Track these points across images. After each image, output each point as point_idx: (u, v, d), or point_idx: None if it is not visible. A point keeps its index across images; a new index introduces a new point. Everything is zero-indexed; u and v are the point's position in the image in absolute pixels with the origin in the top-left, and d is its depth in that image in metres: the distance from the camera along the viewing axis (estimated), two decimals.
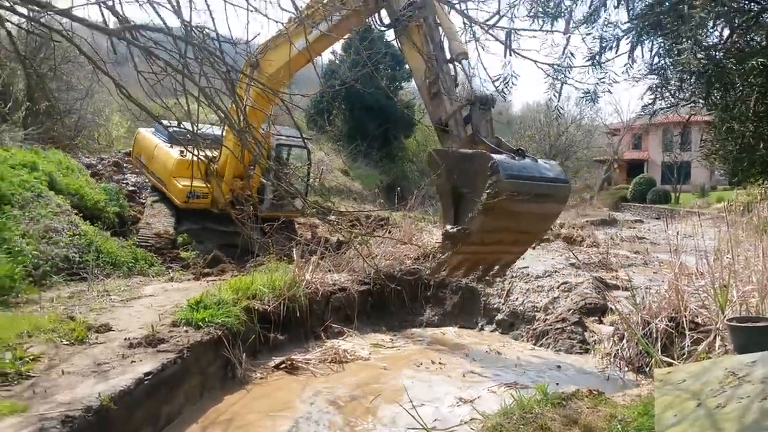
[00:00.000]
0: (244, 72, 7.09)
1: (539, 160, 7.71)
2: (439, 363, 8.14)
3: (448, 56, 8.18)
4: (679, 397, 3.70)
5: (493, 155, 6.99)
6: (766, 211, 12.86)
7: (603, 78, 5.02)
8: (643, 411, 4.06)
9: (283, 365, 7.66)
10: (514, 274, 10.74)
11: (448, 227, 7.36)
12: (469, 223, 7.11)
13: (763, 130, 4.69)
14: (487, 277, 9.11)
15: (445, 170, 7.35)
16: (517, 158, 7.21)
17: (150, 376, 5.47)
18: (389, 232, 13.60)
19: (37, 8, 4.68)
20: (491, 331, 10.02)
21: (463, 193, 7.31)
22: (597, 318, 9.35)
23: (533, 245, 8.40)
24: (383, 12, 8.77)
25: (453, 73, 8.25)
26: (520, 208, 6.99)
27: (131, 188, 15.83)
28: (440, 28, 8.31)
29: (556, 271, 10.95)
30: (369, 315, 10.32)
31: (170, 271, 11.34)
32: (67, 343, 6.07)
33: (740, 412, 3.17)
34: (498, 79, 5.19)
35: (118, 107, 21.71)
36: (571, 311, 9.22)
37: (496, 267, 8.45)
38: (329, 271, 10.66)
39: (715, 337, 6.61)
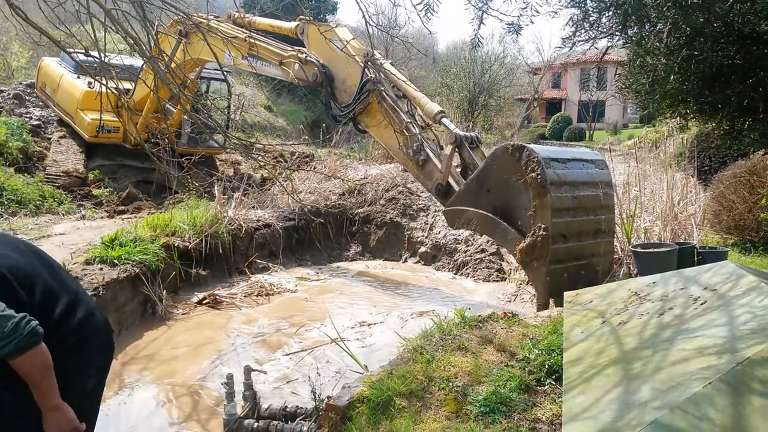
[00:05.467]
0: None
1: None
2: (363, 293, 8.31)
3: (423, 123, 7.80)
4: (586, 316, 3.93)
5: (513, 143, 6.38)
6: (672, 147, 13.63)
7: (525, 8, 5.00)
8: (553, 330, 4.31)
9: (206, 300, 7.58)
10: (438, 209, 10.95)
11: (521, 245, 6.12)
12: (538, 220, 5.99)
13: (674, 63, 4.84)
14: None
15: (473, 208, 6.66)
16: None
17: None
18: (314, 168, 13.44)
19: None
20: (414, 263, 10.28)
21: (507, 204, 6.43)
22: None
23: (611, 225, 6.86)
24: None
25: (433, 137, 7.87)
26: (572, 177, 6.31)
27: (36, 122, 14.64)
28: (404, 99, 7.96)
29: None
30: (294, 251, 10.30)
31: (82, 209, 10.79)
32: None
33: (640, 328, 3.40)
34: (419, 3, 5.05)
35: (16, 33, 19.81)
36: (490, 242, 9.55)
37: (598, 268, 6.63)
38: (253, 207, 10.49)
39: (621, 263, 7.05)
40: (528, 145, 6.24)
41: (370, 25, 5.15)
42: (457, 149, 7.30)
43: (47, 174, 11.88)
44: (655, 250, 6.15)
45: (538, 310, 5.96)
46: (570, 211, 6.22)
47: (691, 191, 9.05)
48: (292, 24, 9.17)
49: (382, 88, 7.82)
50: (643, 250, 6.20)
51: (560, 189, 6.11)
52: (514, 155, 6.22)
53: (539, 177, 5.95)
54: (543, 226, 5.94)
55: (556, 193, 6.03)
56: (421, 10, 3.74)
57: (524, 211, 6.18)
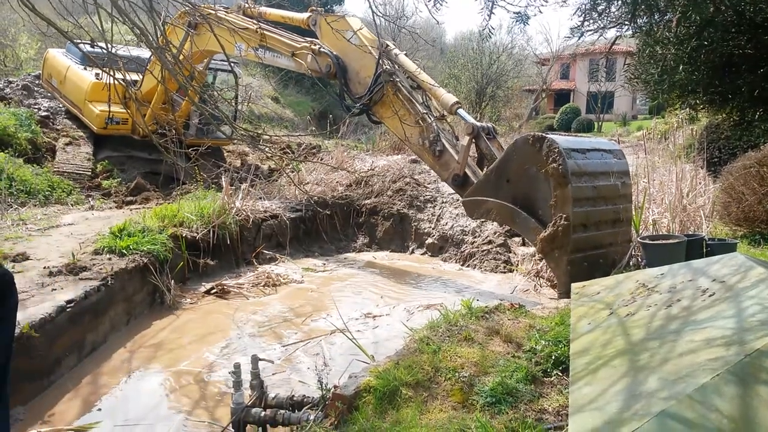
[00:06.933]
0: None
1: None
2: (370, 284, 8.32)
3: (438, 113, 7.79)
4: (593, 307, 3.91)
5: (534, 133, 6.46)
6: (681, 138, 13.53)
7: None
8: (560, 321, 4.31)
9: (214, 290, 7.62)
10: (445, 200, 10.94)
11: (542, 234, 6.19)
12: (559, 210, 6.07)
13: (683, 53, 4.81)
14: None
15: (493, 198, 6.71)
16: None
17: (72, 304, 5.30)
18: (321, 160, 13.44)
19: None
20: (422, 255, 10.28)
21: (527, 194, 6.49)
22: (521, 240, 9.73)
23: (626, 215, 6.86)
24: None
25: (448, 128, 7.86)
26: (592, 168, 6.36)
27: (44, 113, 14.67)
28: (419, 90, 7.93)
29: None
30: (301, 241, 10.33)
31: (90, 199, 10.84)
32: None
33: (647, 319, 3.38)
34: None
35: (23, 24, 19.88)
36: (497, 234, 9.55)
37: (615, 257, 6.63)
38: (260, 198, 10.52)
39: (629, 255, 7.01)
40: (549, 136, 6.27)
41: (377, 15, 5.13)
42: (474, 140, 7.31)
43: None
44: (664, 241, 6.12)
45: (560, 298, 6.05)
46: (590, 201, 6.29)
47: (700, 183, 8.97)
48: (304, 15, 9.13)
49: (398, 79, 7.80)
50: (651, 242, 6.17)
51: (581, 179, 6.15)
52: (535, 146, 6.24)
53: (560, 167, 5.99)
54: (564, 215, 6.00)
55: (577, 183, 6.07)
56: (429, 0, 3.71)
57: (544, 201, 6.23)
